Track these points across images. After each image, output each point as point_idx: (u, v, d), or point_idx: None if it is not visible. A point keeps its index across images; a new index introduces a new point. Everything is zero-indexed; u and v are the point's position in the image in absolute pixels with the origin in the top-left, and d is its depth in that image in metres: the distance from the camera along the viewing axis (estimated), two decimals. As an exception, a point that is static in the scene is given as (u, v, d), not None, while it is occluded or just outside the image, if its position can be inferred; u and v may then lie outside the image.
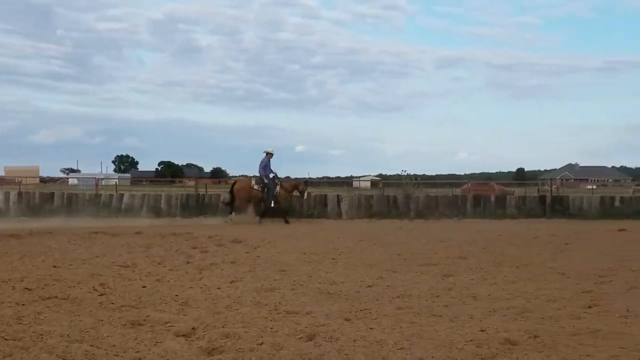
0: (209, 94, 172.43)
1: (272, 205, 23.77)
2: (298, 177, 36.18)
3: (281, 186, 24.01)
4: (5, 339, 5.67)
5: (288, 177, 27.64)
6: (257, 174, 24.10)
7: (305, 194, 25.34)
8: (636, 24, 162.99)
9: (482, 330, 6.16)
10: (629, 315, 6.85)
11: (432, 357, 5.21)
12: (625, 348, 5.50)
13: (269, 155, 23.50)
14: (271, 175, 23.41)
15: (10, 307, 7.14)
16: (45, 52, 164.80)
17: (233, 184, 25.45)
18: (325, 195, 29.92)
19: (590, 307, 7.33)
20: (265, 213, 23.82)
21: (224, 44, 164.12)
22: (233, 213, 24.23)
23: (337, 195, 29.42)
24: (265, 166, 23.33)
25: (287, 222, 23.15)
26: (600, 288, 8.60)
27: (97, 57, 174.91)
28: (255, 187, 23.84)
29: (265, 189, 23.42)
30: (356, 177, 74.34)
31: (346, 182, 55.83)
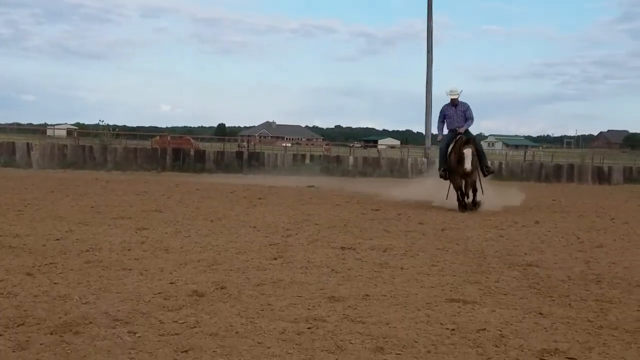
0: None
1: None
2: (-16, 121, 33.31)
3: None
4: None
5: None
6: None
7: None
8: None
9: (171, 283, 6.22)
10: (308, 266, 7.38)
11: (118, 310, 5.15)
12: (303, 296, 5.92)
13: None
14: None
15: None
16: None
17: None
18: (14, 142, 28.00)
19: (275, 258, 7.76)
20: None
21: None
22: None
23: (27, 144, 27.67)
24: None
25: None
26: (286, 241, 9.13)
27: None
28: None
29: None
30: (51, 125, 70.56)
31: (40, 130, 52.66)
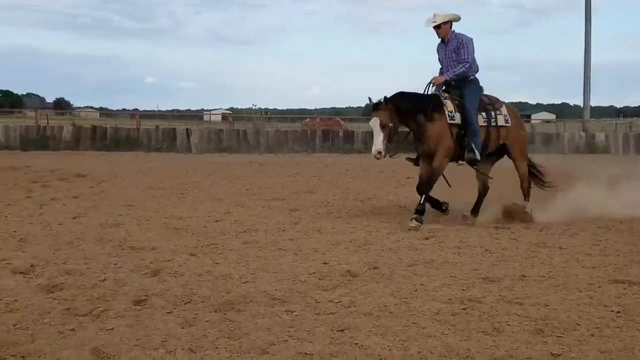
0: (54, 20, 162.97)
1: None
2: (147, 109, 35.26)
3: None
4: None
5: (136, 109, 26.89)
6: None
7: None
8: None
9: (325, 263, 6.35)
10: (461, 246, 7.29)
11: (275, 289, 5.33)
12: (456, 277, 5.86)
13: None
14: None
15: None
16: None
17: None
18: (174, 128, 29.43)
19: (427, 238, 7.73)
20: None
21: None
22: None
23: (187, 129, 29.00)
24: None
25: None
26: (437, 220, 9.06)
27: None
28: None
29: None
30: (207, 110, 73.44)
31: (197, 116, 55.01)
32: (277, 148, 28.09)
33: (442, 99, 9.04)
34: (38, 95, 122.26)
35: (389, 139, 8.64)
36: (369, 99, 8.93)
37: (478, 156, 8.92)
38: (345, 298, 5.13)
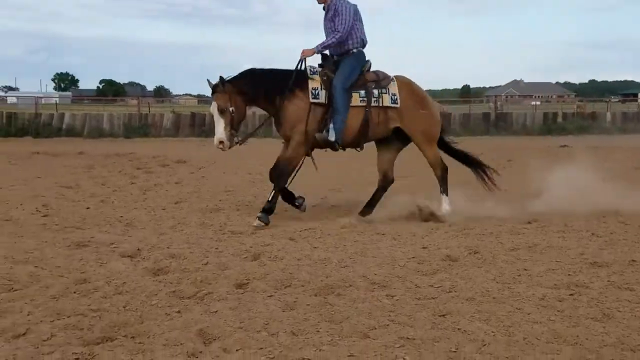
0: (154, 10, 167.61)
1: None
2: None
3: None
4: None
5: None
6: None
7: None
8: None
9: (424, 248, 6.28)
10: (566, 230, 7.06)
11: (375, 274, 5.30)
12: (562, 261, 5.68)
13: None
14: None
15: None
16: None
17: None
18: (271, 114, 29.73)
19: (529, 222, 7.52)
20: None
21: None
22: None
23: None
24: None
25: None
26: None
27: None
28: None
29: None
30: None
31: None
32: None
33: (309, 74, 7.85)
34: (139, 84, 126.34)
35: (231, 125, 7.59)
36: (208, 81, 7.73)
37: (332, 138, 7.73)
38: (446, 283, 5.05)
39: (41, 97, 45.82)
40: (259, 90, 7.80)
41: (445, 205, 8.06)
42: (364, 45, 8.08)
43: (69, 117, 27.61)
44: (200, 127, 27.63)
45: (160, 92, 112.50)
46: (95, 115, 28.24)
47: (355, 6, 8.02)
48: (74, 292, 4.80)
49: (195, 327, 4.05)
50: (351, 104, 7.85)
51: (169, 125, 27.71)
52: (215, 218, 7.94)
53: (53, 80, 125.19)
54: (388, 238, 6.75)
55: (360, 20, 8.07)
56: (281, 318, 4.25)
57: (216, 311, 4.38)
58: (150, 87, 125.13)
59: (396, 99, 8.04)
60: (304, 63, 7.86)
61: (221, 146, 7.62)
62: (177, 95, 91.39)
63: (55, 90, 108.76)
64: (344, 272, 5.40)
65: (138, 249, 6.13)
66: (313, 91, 7.77)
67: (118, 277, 5.19)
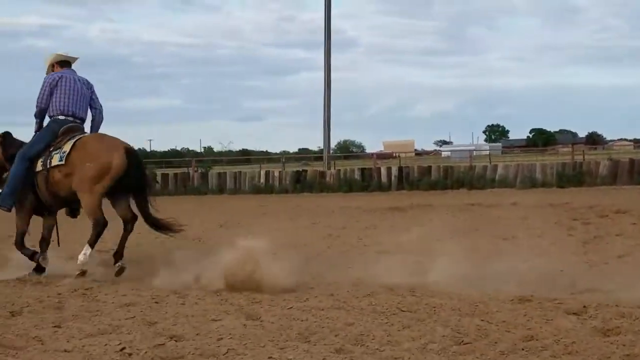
0: (585, 55, 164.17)
1: None
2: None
3: None
4: (402, 311, 5.94)
5: None
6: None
7: None
8: None
9: None
10: None
11: None
12: None
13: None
14: None
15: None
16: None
17: None
18: None
19: None
20: None
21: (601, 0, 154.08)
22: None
23: None
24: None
25: None
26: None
27: (471, 29, 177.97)
28: None
29: None
30: None
31: None
32: None
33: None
34: (570, 131, 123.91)
35: None
36: None
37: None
38: None
39: (473, 150, 47.79)
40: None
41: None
42: (57, 114, 8.21)
43: (502, 168, 28.29)
44: (640, 173, 25.99)
45: (593, 138, 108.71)
46: (528, 165, 28.46)
47: (47, 78, 8.27)
48: (522, 349, 4.75)
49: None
50: None
51: (605, 173, 26.58)
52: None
53: (484, 132, 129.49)
54: None
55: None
56: None
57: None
58: (581, 134, 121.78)
59: (63, 156, 7.83)
60: None
61: None
62: (611, 141, 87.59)
63: (486, 141, 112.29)
64: None
65: (584, 307, 5.86)
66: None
67: (565, 335, 5.00)
